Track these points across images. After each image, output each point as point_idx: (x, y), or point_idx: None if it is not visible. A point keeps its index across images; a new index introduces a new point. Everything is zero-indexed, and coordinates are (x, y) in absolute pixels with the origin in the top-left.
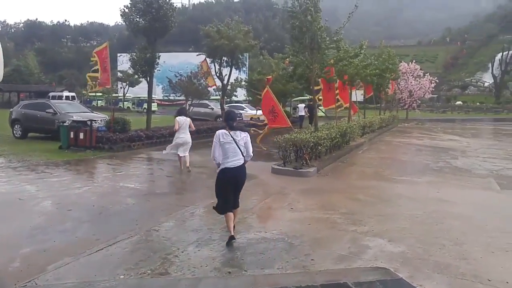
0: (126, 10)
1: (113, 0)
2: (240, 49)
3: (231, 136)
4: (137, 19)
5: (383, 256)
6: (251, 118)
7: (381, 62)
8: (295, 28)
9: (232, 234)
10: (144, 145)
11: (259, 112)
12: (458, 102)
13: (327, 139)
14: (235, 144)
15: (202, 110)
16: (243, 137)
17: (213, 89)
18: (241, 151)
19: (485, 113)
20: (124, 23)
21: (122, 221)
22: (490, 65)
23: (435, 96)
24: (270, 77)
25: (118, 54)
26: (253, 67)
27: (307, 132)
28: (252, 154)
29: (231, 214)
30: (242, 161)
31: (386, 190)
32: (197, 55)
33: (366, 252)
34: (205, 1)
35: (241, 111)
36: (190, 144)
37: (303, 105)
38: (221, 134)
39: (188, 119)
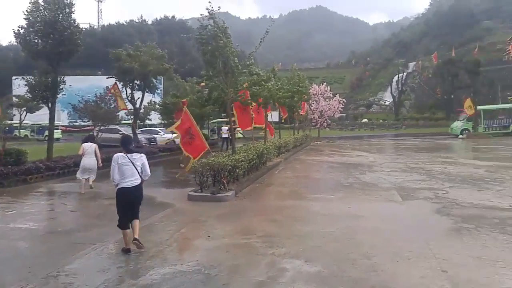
0: (22, 31)
1: (6, 17)
2: (152, 72)
3: (128, 158)
4: (36, 41)
5: (301, 277)
6: (167, 143)
7: (292, 85)
8: (207, 53)
9: (128, 247)
10: (44, 177)
11: (174, 135)
12: (364, 120)
13: (245, 161)
14: (132, 165)
15: (113, 135)
16: (139, 157)
17: (125, 113)
18: (138, 171)
19: (387, 129)
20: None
21: (11, 270)
22: (389, 85)
23: (344, 114)
24: (185, 100)
25: (13, 77)
26: (168, 90)
27: (224, 155)
28: (149, 174)
29: (128, 231)
30: (139, 181)
31: (302, 209)
32: (107, 78)
33: (284, 275)
34: (116, 23)
35: (155, 135)
36: (95, 168)
37: (227, 127)
38: (119, 156)
39: (94, 145)
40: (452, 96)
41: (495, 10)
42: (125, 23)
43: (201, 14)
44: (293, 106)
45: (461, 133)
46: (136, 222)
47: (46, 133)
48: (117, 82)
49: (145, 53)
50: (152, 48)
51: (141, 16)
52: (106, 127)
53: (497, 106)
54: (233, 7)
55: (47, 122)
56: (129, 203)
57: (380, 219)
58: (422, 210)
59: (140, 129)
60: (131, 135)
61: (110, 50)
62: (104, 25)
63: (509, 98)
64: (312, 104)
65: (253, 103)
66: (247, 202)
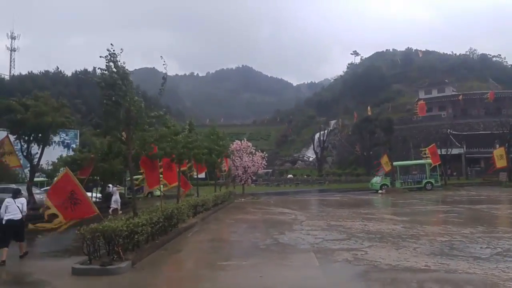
0: None
1: None
2: (52, 125)
3: (14, 200)
4: None
5: None
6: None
7: (211, 142)
8: (109, 102)
9: (4, 259)
10: None
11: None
12: (290, 176)
13: (147, 225)
14: (15, 205)
15: (6, 196)
16: (20, 200)
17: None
18: (19, 209)
19: (311, 185)
20: None
21: None
22: (312, 142)
23: (270, 170)
24: (93, 155)
25: None
26: (85, 145)
27: (122, 219)
28: (26, 211)
29: (6, 249)
30: (20, 216)
31: (205, 281)
32: None
33: None
34: (28, 72)
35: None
36: None
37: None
38: (7, 200)
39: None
40: (371, 152)
41: (402, 75)
42: (39, 73)
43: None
44: (213, 162)
45: (381, 188)
46: (21, 244)
47: None
48: (9, 136)
49: (43, 104)
50: (48, 98)
51: (57, 68)
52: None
53: (410, 162)
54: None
55: None
56: (11, 231)
57: None
58: (339, 276)
59: (43, 188)
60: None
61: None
62: (13, 74)
63: (422, 154)
64: (236, 160)
65: (163, 159)
66: (145, 274)
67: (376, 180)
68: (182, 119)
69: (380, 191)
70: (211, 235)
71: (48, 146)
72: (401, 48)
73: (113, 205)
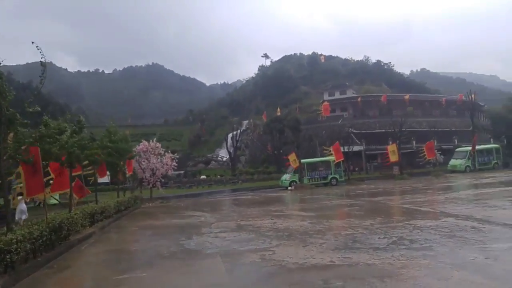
0: None
1: None
2: None
3: None
4: None
5: None
6: None
7: (113, 143)
8: None
9: None
10: None
11: None
12: (203, 177)
13: (25, 241)
14: None
15: None
16: None
17: None
18: None
19: (225, 185)
20: None
21: None
22: (225, 142)
23: (182, 172)
24: None
25: None
26: None
27: None
28: None
29: None
30: None
31: None
32: None
33: None
34: None
35: None
36: None
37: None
38: None
39: None
40: (281, 151)
41: (309, 78)
42: None
43: None
44: (114, 164)
45: (290, 185)
46: None
47: None
48: None
49: None
50: None
51: None
52: None
53: (316, 159)
54: (57, 59)
55: None
56: None
57: None
58: (246, 280)
59: None
60: None
61: None
62: None
63: (325, 151)
64: (143, 163)
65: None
66: None
67: (286, 177)
68: (85, 118)
69: (289, 188)
70: (109, 246)
71: None
72: (307, 52)
73: (22, 216)
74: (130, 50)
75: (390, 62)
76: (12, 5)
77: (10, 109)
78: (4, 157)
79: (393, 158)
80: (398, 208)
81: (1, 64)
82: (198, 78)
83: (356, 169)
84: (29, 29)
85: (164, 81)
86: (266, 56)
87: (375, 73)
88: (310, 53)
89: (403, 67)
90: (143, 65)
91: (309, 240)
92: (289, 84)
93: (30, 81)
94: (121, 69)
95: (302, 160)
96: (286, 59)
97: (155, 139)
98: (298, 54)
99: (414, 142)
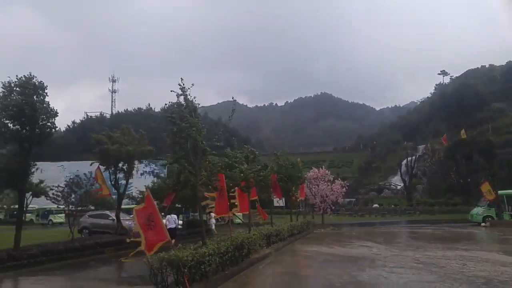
0: None
1: None
2: (134, 154)
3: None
4: (8, 125)
5: None
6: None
7: (284, 170)
8: (176, 134)
9: None
10: (5, 268)
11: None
12: (375, 205)
13: (215, 255)
14: None
15: (102, 221)
16: None
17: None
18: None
19: (400, 215)
20: None
21: None
22: (398, 169)
23: (353, 199)
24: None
25: None
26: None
27: (191, 247)
28: None
29: None
30: None
31: None
32: (91, 164)
33: None
34: (124, 111)
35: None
36: None
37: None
38: None
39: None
40: (469, 179)
41: (504, 92)
42: (133, 111)
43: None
44: (289, 190)
45: (484, 221)
46: None
47: (51, 217)
48: (100, 167)
49: (124, 135)
50: (128, 131)
51: (149, 105)
52: (96, 212)
53: None
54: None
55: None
56: None
57: None
58: None
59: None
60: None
61: (91, 134)
62: (112, 113)
63: None
64: (313, 189)
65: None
66: None
67: (478, 211)
68: (262, 147)
69: (483, 224)
70: (284, 268)
71: (133, 175)
72: (500, 62)
73: (213, 226)
74: (298, 83)
75: None
76: (210, 59)
77: (203, 142)
78: (200, 182)
79: None
80: None
81: (200, 106)
82: (367, 103)
83: None
84: (213, 77)
85: (333, 109)
86: (444, 73)
87: None
88: (504, 63)
89: None
90: (312, 95)
91: None
92: (476, 102)
93: (220, 118)
94: (291, 101)
95: (500, 192)
96: (470, 73)
97: (323, 166)
98: (486, 66)
99: None
